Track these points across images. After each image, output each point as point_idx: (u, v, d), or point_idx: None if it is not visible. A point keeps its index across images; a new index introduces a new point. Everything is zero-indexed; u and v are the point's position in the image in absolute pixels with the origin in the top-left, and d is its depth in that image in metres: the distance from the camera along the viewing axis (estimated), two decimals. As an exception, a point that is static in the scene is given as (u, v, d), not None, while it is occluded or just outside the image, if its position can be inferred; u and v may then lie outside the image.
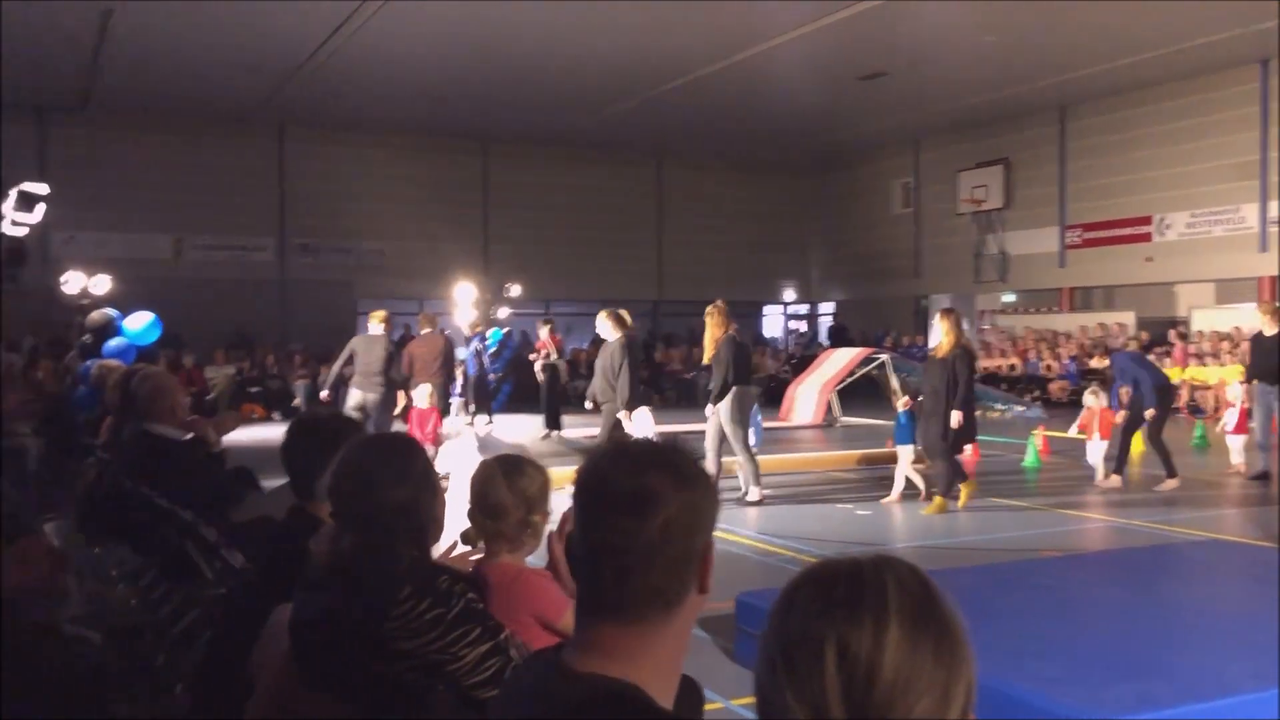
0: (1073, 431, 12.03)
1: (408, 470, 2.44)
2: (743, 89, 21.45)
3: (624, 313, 10.92)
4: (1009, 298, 27.08)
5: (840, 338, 27.72)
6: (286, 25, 17.10)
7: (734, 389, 9.83)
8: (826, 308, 32.02)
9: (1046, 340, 23.62)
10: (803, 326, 32.53)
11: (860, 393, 20.19)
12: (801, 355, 26.53)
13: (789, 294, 31.78)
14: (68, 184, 20.16)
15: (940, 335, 9.65)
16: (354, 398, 11.62)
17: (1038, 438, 13.15)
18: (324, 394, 11.16)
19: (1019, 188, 25.15)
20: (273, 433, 19.04)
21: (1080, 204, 23.93)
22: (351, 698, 2.29)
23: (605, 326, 10.79)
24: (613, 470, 1.47)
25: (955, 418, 9.30)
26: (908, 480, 10.14)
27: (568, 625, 2.72)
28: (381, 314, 12.13)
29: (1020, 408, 20.09)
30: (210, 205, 24.07)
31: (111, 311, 10.97)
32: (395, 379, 11.72)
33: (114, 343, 10.17)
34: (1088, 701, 3.88)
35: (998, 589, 5.61)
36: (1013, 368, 23.44)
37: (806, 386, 19.06)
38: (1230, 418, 12.13)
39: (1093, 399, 11.68)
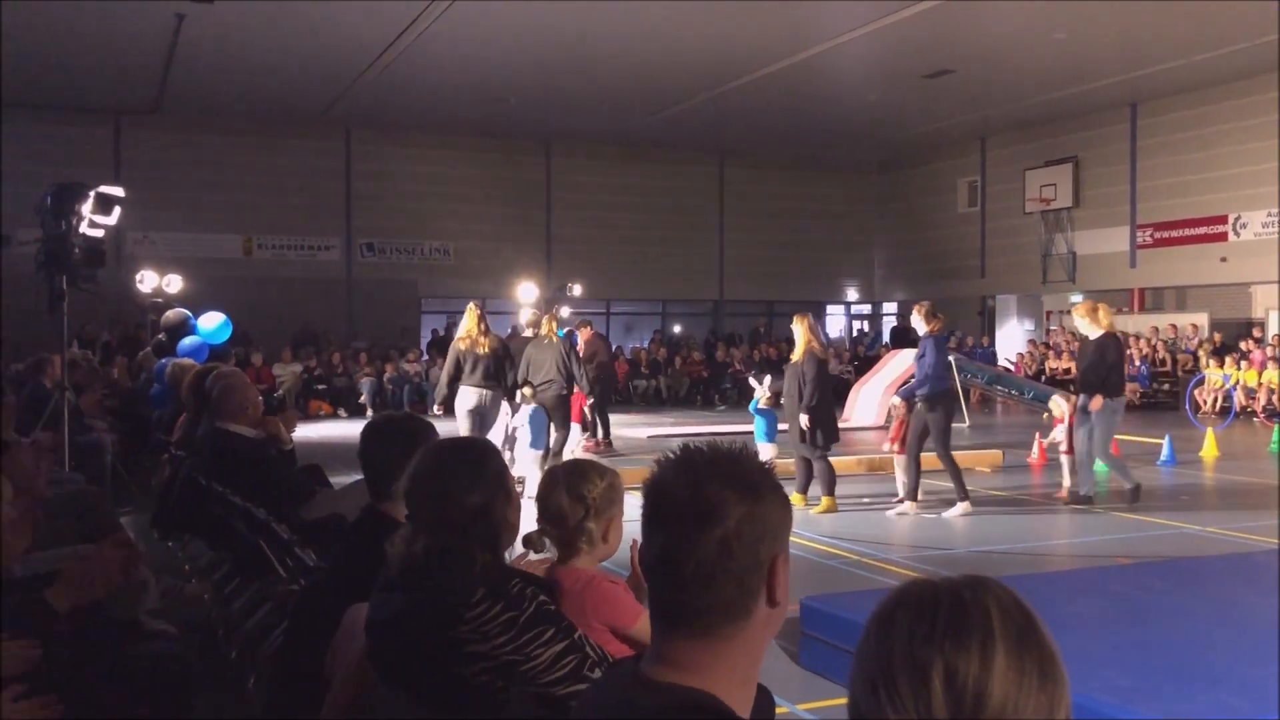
0: (886, 446, 10.82)
1: (482, 474, 2.45)
2: (806, 88, 21.32)
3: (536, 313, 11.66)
4: (1077, 298, 26.60)
5: (903, 338, 27.42)
6: (352, 30, 17.33)
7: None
8: (890, 307, 31.73)
9: (1116, 341, 23.17)
10: (865, 326, 32.26)
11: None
12: (864, 356, 26.32)
13: (852, 293, 31.54)
14: (141, 185, 20.62)
15: (796, 339, 9.90)
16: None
17: (1108, 441, 12.89)
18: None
19: (1088, 186, 24.71)
20: (338, 430, 19.26)
21: (1151, 203, 23.45)
22: (427, 698, 2.32)
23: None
24: (673, 479, 1.45)
25: (802, 420, 9.55)
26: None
27: (639, 633, 2.72)
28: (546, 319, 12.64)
29: (1089, 410, 19.72)
30: (279, 206, 24.52)
31: (185, 311, 11.21)
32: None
33: (187, 341, 10.39)
34: (1164, 713, 3.80)
35: (1069, 596, 5.52)
36: (1081, 369, 23.03)
37: (869, 387, 18.92)
38: (1060, 434, 10.82)
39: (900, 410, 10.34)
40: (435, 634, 2.29)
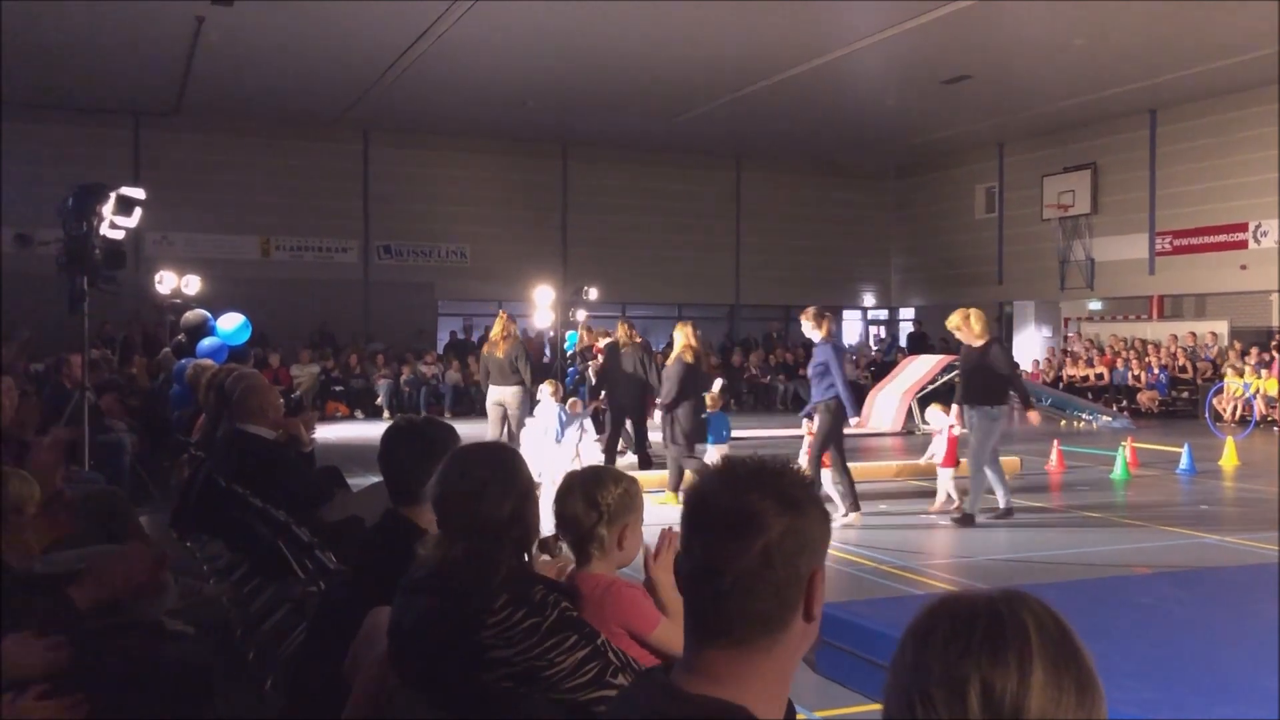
0: (801, 459, 10.25)
1: (514, 481, 2.47)
2: (824, 92, 21.29)
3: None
4: (1095, 305, 26.50)
5: (919, 344, 27.37)
6: (371, 33, 17.39)
7: None
8: (906, 313, 31.65)
9: (1135, 349, 23.08)
10: (882, 332, 32.18)
11: (942, 400, 19.88)
12: (881, 361, 26.25)
13: (869, 299, 31.47)
14: (160, 187, 20.75)
15: (675, 344, 10.62)
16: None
17: (1127, 449, 12.84)
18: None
19: (1107, 193, 24.59)
20: (355, 431, 19.27)
21: (1171, 210, 23.32)
22: (448, 702, 2.31)
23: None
24: (716, 490, 1.45)
25: (656, 418, 10.41)
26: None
27: (659, 639, 2.71)
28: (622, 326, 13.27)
29: (1107, 418, 19.65)
30: (297, 208, 24.62)
31: (205, 312, 11.26)
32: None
33: (207, 342, 10.43)
34: (1187, 725, 3.77)
35: (1090, 606, 5.48)
36: (1100, 377, 22.93)
37: (887, 393, 18.88)
38: (938, 448, 10.31)
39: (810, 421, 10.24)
40: (458, 638, 2.29)
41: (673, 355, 10.70)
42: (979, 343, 9.44)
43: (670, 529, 2.86)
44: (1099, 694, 1.13)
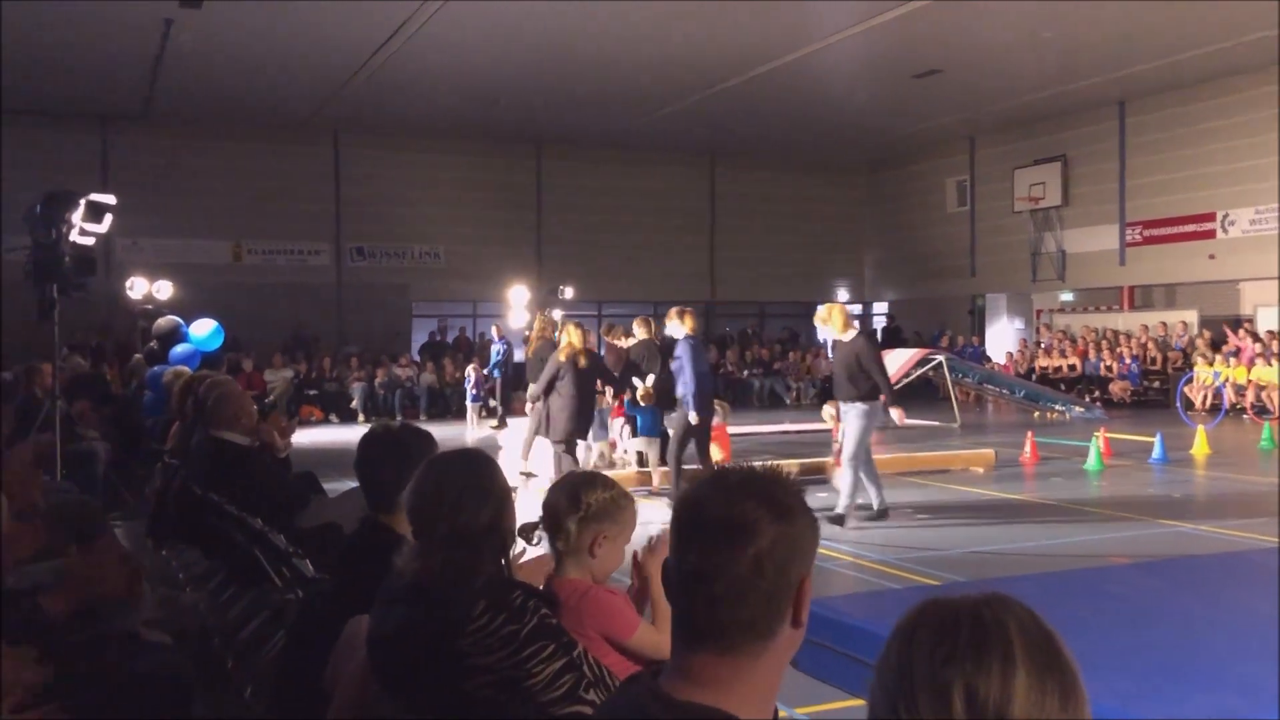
0: (716, 455, 10.39)
1: (490, 488, 2.46)
2: (796, 88, 21.34)
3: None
4: (1067, 296, 26.69)
5: (894, 338, 27.50)
6: (341, 33, 17.29)
7: None
8: (880, 307, 31.78)
9: (1106, 340, 23.27)
10: (856, 326, 32.24)
11: (917, 394, 20.01)
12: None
13: (842, 294, 31.54)
14: (130, 191, 20.53)
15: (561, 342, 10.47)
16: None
17: (1100, 440, 12.94)
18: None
19: (1077, 185, 24.77)
20: (330, 435, 19.16)
21: (1140, 201, 23.52)
22: (430, 711, 2.31)
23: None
24: (709, 497, 1.46)
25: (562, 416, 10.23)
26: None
27: (638, 645, 2.71)
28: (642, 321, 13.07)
29: (1080, 409, 19.80)
30: (268, 211, 24.42)
31: (177, 319, 11.17)
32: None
33: (180, 349, 10.35)
34: (1166, 715, 3.80)
35: (1065, 597, 5.51)
36: (1072, 368, 23.10)
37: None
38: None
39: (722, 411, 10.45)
40: (437, 647, 2.29)
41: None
42: (845, 337, 9.25)
43: (665, 530, 2.86)
44: (1082, 697, 1.15)
